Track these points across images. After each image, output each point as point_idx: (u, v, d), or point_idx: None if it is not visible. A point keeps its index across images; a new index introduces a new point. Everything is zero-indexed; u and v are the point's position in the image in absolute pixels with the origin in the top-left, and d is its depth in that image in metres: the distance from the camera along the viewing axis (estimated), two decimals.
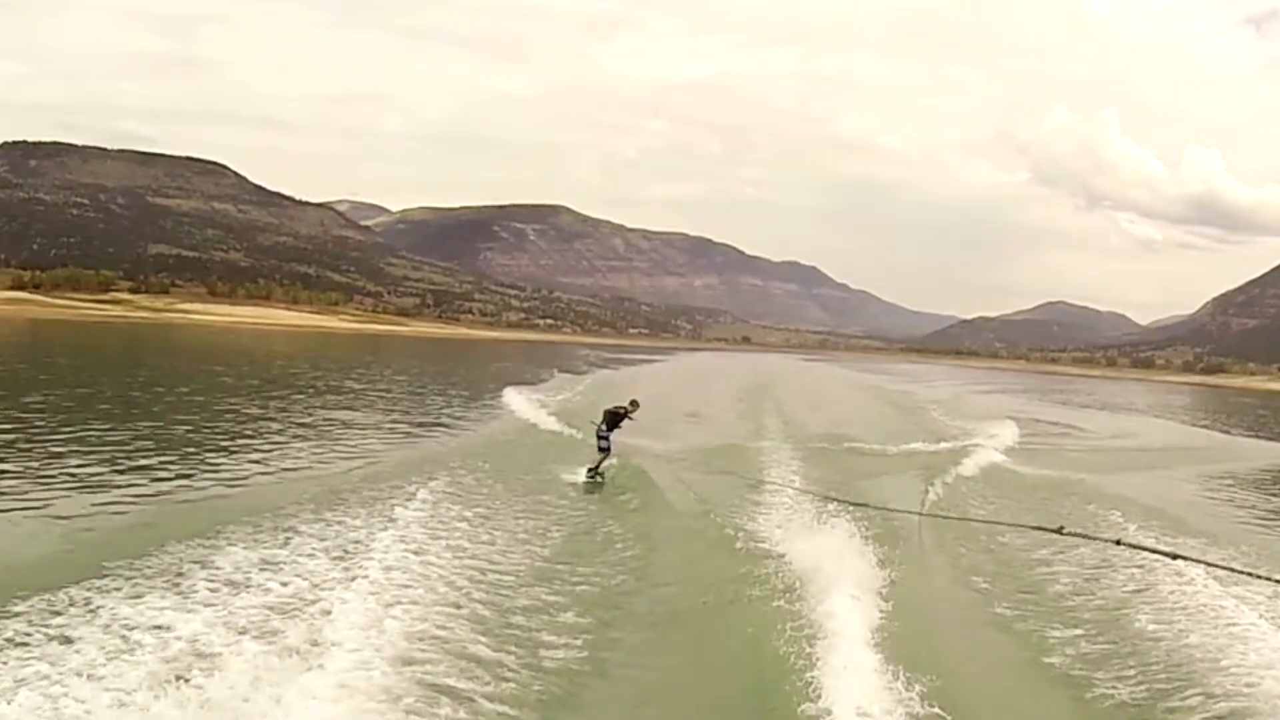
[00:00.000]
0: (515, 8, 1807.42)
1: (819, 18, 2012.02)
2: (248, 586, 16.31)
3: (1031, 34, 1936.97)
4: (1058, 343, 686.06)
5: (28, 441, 33.05)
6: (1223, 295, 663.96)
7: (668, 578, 20.42)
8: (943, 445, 46.48)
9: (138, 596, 15.29)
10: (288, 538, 19.60)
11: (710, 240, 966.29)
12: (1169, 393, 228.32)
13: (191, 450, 33.99)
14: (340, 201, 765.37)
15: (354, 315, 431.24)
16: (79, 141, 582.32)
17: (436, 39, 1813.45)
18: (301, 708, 11.84)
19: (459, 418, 51.69)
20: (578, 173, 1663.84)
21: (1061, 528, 14.75)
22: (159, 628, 14.04)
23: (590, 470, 30.24)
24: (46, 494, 24.46)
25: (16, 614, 14.08)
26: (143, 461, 30.45)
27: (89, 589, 15.34)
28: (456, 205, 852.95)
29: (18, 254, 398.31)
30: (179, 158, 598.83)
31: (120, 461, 29.96)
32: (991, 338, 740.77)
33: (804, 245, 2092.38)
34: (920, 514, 24.93)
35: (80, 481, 26.37)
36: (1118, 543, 13.60)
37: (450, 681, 13.32)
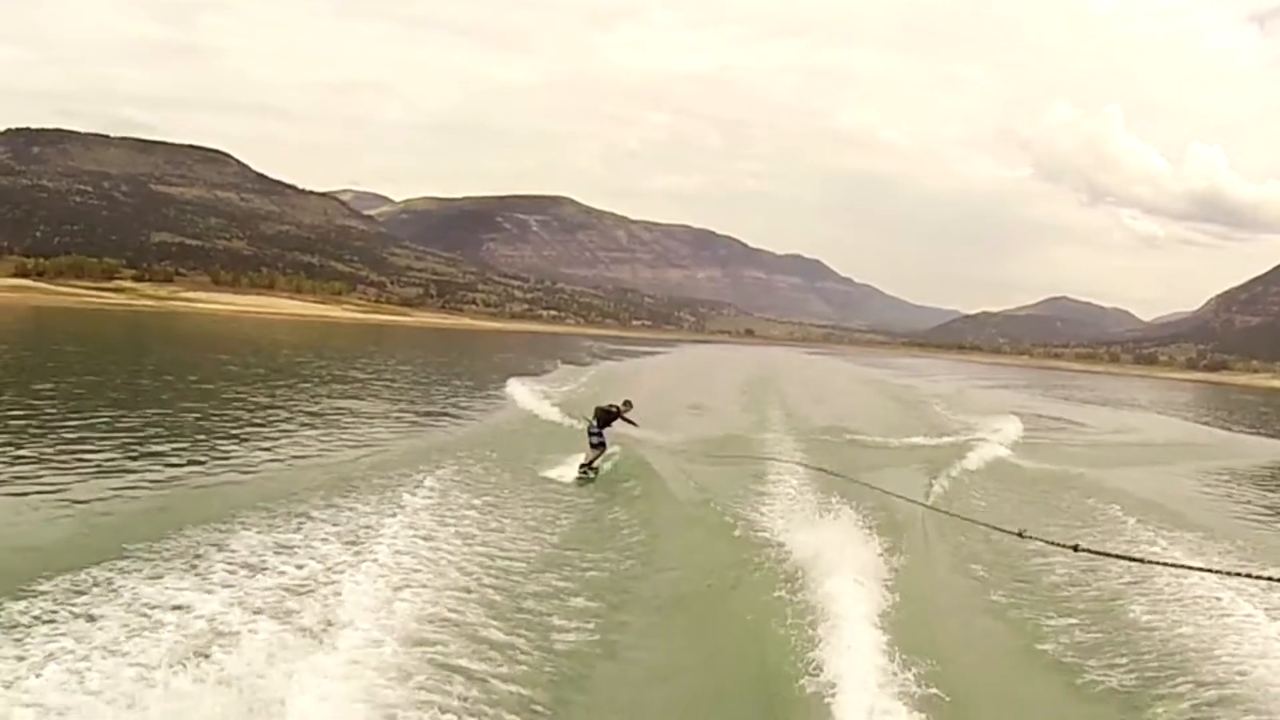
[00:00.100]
0: None
1: (819, 11, 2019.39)
2: (263, 569, 16.70)
3: (1033, 30, 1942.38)
4: (1061, 338, 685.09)
5: (40, 428, 33.44)
6: (1226, 292, 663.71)
7: (672, 563, 20.82)
8: (945, 439, 46.55)
9: (157, 577, 15.70)
10: (300, 523, 19.98)
11: (713, 233, 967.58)
12: (1172, 389, 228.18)
13: (202, 437, 34.43)
14: (343, 191, 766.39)
15: (357, 305, 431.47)
16: (81, 129, 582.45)
17: (437, 28, 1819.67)
18: (315, 684, 12.18)
19: (464, 407, 52.07)
20: (580, 164, 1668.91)
21: (1022, 531, 14.98)
22: (179, 607, 14.45)
23: (583, 466, 30.34)
24: (62, 479, 24.86)
25: (42, 593, 14.49)
26: (154, 448, 30.88)
27: (110, 570, 15.75)
28: (460, 195, 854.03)
29: (21, 241, 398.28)
30: (182, 145, 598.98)
31: (132, 448, 30.36)
32: (994, 333, 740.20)
33: (808, 238, 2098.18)
34: (892, 494, 25.03)
35: (95, 467, 26.78)
36: (1075, 548, 13.82)
37: (463, 662, 13.67)
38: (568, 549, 21.07)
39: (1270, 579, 13.39)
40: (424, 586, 16.54)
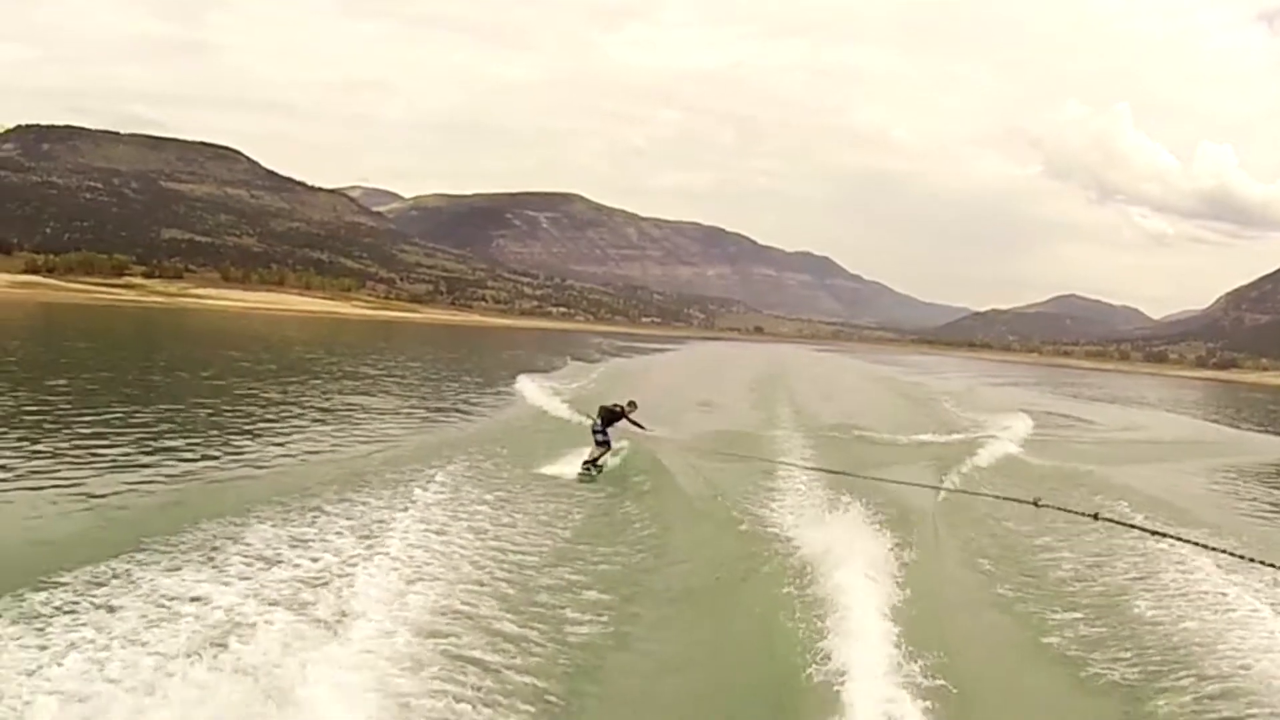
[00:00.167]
0: None
1: (830, 8, 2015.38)
2: (278, 561, 16.95)
3: (1042, 28, 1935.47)
4: (1070, 336, 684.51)
5: (54, 423, 33.73)
6: (1235, 290, 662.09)
7: (682, 557, 21.00)
8: (954, 436, 46.73)
9: (175, 569, 15.97)
10: (314, 517, 20.21)
11: (723, 230, 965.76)
12: (1181, 387, 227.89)
13: (215, 433, 34.67)
14: (353, 188, 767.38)
15: (367, 301, 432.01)
16: (91, 125, 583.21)
17: (441, 26, 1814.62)
18: (329, 673, 12.41)
19: (474, 404, 52.30)
20: (589, 161, 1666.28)
21: (1037, 500, 15.01)
22: (196, 598, 14.73)
23: (586, 463, 30.36)
24: (78, 474, 25.09)
25: (62, 584, 14.73)
26: (168, 443, 31.14)
27: (128, 562, 16.01)
28: (470, 192, 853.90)
29: (31, 238, 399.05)
30: (191, 142, 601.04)
31: (146, 443, 30.64)
32: (1004, 330, 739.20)
33: (817, 236, 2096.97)
34: (902, 482, 25.11)
35: (110, 462, 27.03)
36: (1095, 517, 13.83)
37: (476, 653, 13.89)
38: (580, 543, 21.31)
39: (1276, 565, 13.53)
40: (437, 580, 16.81)
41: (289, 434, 35.52)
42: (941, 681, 13.27)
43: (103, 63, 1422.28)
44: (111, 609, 14.05)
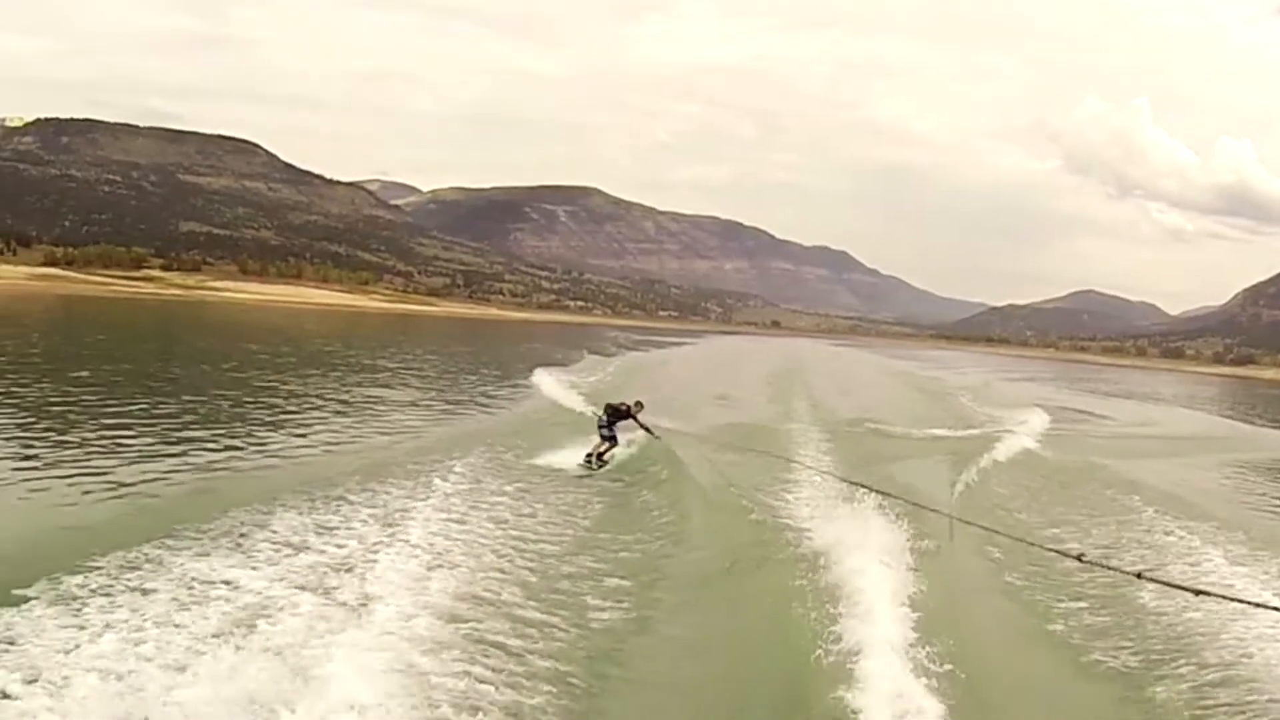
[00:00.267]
0: None
1: (849, 2, 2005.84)
2: (305, 548, 17.49)
3: (1063, 22, 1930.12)
4: (1087, 331, 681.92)
5: (81, 414, 34.16)
6: (1254, 286, 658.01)
7: (700, 544, 21.44)
8: (971, 431, 47.00)
9: (205, 554, 16.51)
10: (338, 505, 20.73)
11: (741, 224, 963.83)
12: (1198, 383, 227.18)
13: (238, 424, 35.10)
14: (371, 181, 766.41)
15: (385, 295, 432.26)
16: (110, 119, 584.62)
17: (465, 19, 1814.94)
18: (354, 655, 12.90)
19: (493, 397, 52.63)
20: (608, 154, 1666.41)
21: (1081, 555, 15.06)
22: (226, 582, 15.29)
23: (588, 455, 30.39)
24: (106, 463, 25.56)
25: (97, 568, 15.23)
26: (192, 434, 31.55)
27: (160, 548, 16.51)
28: (487, 186, 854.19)
29: (50, 230, 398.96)
30: (210, 135, 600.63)
31: (171, 434, 31.06)
32: (1021, 325, 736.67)
33: (835, 230, 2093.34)
34: (921, 506, 25.40)
35: (136, 452, 27.45)
36: (1139, 576, 13.81)
37: (499, 638, 14.35)
38: (600, 532, 21.81)
39: None
40: (458, 567, 17.32)
41: (311, 425, 36.04)
42: (950, 666, 13.66)
43: (122, 56, 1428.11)
44: (145, 591, 14.58)
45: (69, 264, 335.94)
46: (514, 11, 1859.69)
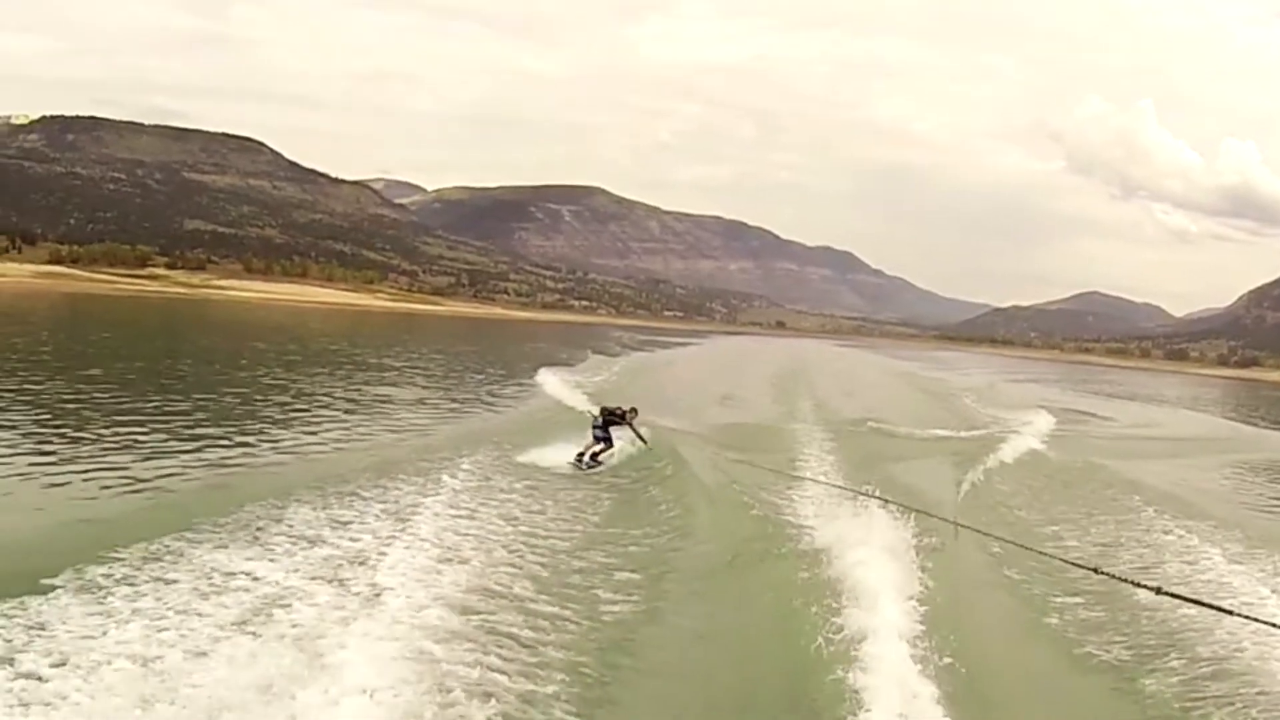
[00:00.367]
0: None
1: (850, 2, 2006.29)
2: (320, 541, 18.01)
3: (1065, 22, 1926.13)
4: (1091, 333, 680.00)
5: (94, 411, 34.61)
6: (1258, 288, 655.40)
7: (705, 539, 21.83)
8: (975, 432, 47.26)
9: (223, 547, 17.03)
10: (351, 501, 21.23)
11: (745, 224, 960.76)
12: (1202, 385, 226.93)
13: (250, 422, 35.55)
14: (376, 180, 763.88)
15: (390, 294, 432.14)
16: (115, 116, 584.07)
17: (463, 18, 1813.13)
18: (366, 643, 13.36)
19: (499, 396, 53.02)
20: (611, 154, 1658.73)
21: (1098, 568, 15.18)
22: (245, 573, 15.82)
23: (579, 454, 30.36)
24: (122, 459, 26.05)
25: (120, 559, 15.74)
26: (205, 430, 32.05)
27: (180, 540, 17.02)
28: (492, 185, 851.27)
29: (55, 228, 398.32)
30: (215, 134, 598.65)
31: (184, 431, 31.54)
32: (1025, 326, 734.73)
33: (839, 230, 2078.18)
34: (950, 520, 25.66)
35: (151, 448, 27.96)
36: (1158, 591, 13.82)
37: (511, 629, 14.76)
38: (610, 527, 22.26)
39: None
40: (469, 561, 17.75)
41: (320, 423, 36.46)
42: (950, 658, 14.00)
43: (127, 54, 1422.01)
44: (167, 581, 15.10)
45: (74, 262, 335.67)
46: (513, 11, 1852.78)
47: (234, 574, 15.69)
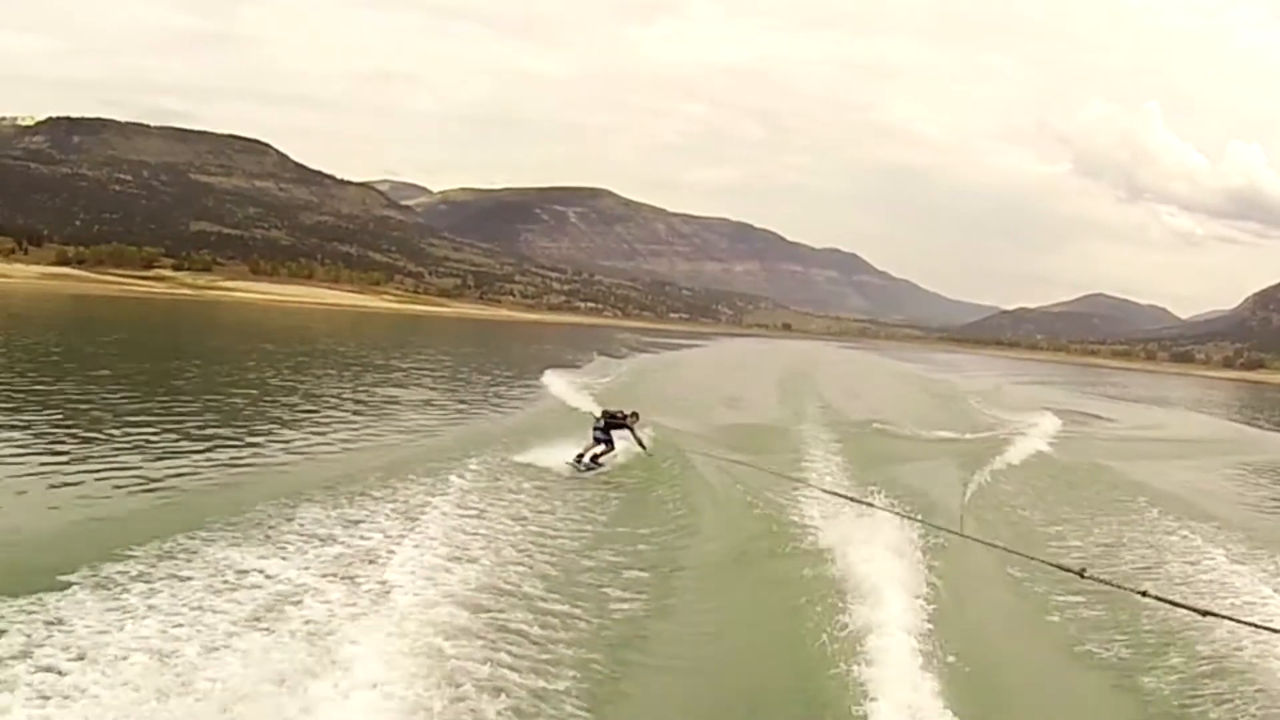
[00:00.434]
0: None
1: (857, 1, 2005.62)
2: (331, 540, 18.28)
3: (1069, 23, 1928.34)
4: (1097, 335, 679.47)
5: (104, 411, 34.73)
6: (1264, 291, 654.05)
7: (712, 537, 22.17)
8: (981, 434, 47.42)
9: (236, 544, 17.29)
10: (361, 500, 21.46)
11: (751, 225, 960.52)
12: (1207, 388, 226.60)
13: (259, 422, 35.93)
14: (381, 181, 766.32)
15: (396, 295, 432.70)
16: (121, 118, 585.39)
17: (470, 19, 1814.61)
18: (376, 638, 13.62)
19: (505, 397, 53.35)
20: (616, 155, 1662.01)
21: (1083, 571, 15.32)
22: (257, 570, 16.10)
23: (578, 455, 30.25)
24: (133, 459, 26.30)
25: (134, 556, 16.00)
26: (215, 431, 32.32)
27: (193, 538, 17.26)
28: (498, 187, 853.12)
29: (61, 229, 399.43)
30: (221, 135, 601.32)
31: (194, 431, 31.76)
32: (1031, 328, 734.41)
33: (845, 232, 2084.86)
34: (932, 525, 25.71)
35: (161, 449, 28.21)
36: (1143, 594, 13.99)
37: (521, 626, 14.98)
38: (619, 527, 22.53)
39: None
40: (481, 560, 18.01)
41: (329, 424, 36.68)
42: (953, 656, 14.28)
43: (133, 55, 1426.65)
44: (181, 578, 15.36)
45: (80, 263, 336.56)
46: (522, 12, 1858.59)
47: (247, 571, 15.93)
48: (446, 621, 14.56)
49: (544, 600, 16.34)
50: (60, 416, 33.12)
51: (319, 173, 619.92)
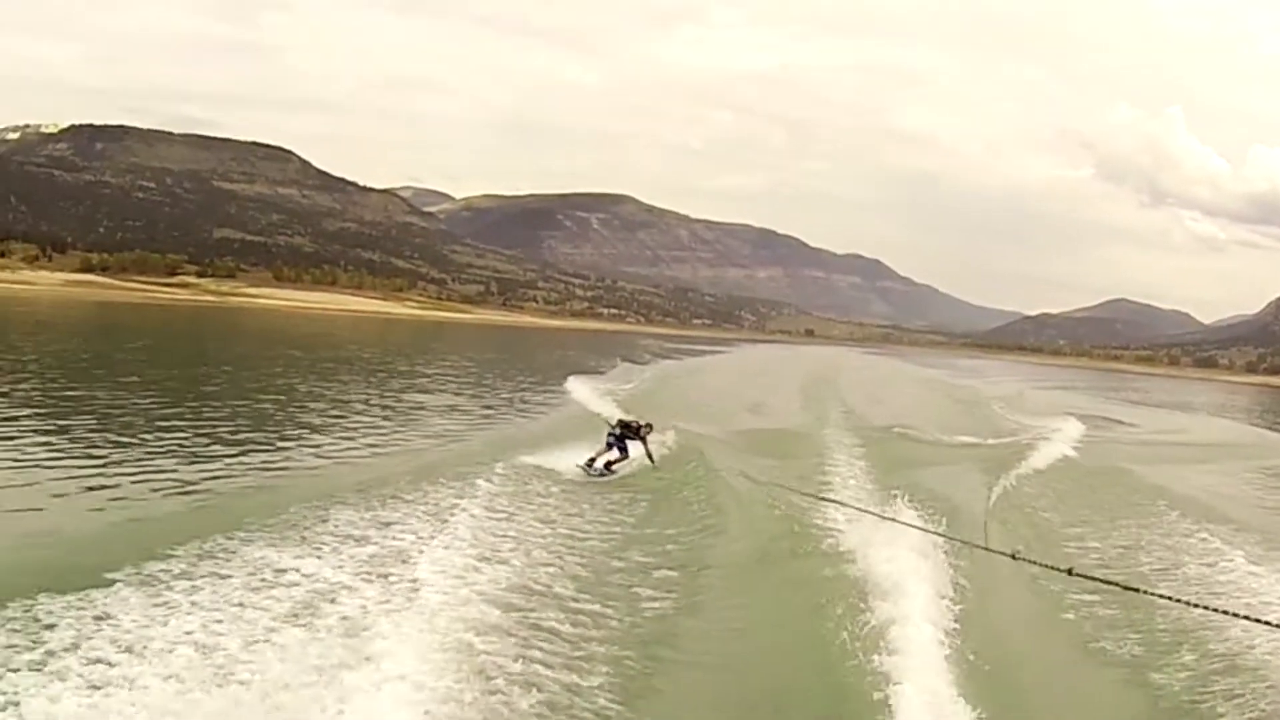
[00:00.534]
0: None
1: (880, 7, 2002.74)
2: (365, 540, 18.76)
3: (1092, 30, 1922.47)
4: (1120, 340, 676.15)
5: (135, 416, 35.37)
6: None
7: (737, 538, 22.56)
8: (1004, 439, 47.57)
9: (273, 545, 17.78)
10: (393, 503, 21.93)
11: (774, 232, 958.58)
12: (1231, 393, 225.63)
13: (289, 427, 36.57)
14: (404, 188, 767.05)
15: (419, 302, 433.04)
16: (144, 125, 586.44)
17: (493, 26, 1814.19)
18: (410, 634, 14.09)
19: (530, 403, 53.77)
20: (640, 162, 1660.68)
21: (1015, 553, 15.55)
22: (294, 570, 16.59)
23: (590, 459, 30.37)
24: (168, 463, 26.99)
25: (176, 556, 16.52)
26: (247, 435, 32.99)
27: (231, 539, 17.77)
28: (521, 193, 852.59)
29: (85, 237, 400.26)
30: (243, 142, 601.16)
31: (226, 436, 32.40)
32: (1054, 334, 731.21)
33: (867, 238, 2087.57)
34: (951, 537, 25.90)
35: (194, 453, 28.86)
36: (1069, 572, 14.28)
37: (553, 624, 15.44)
38: (647, 528, 23.03)
39: None
40: (510, 561, 18.48)
41: (359, 429, 37.29)
42: (972, 654, 14.74)
43: (156, 63, 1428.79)
44: (221, 576, 15.89)
45: (104, 270, 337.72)
46: (546, 19, 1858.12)
47: (284, 570, 16.44)
48: (477, 619, 15.00)
49: (575, 600, 16.76)
50: (94, 421, 33.66)
51: (342, 179, 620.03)
